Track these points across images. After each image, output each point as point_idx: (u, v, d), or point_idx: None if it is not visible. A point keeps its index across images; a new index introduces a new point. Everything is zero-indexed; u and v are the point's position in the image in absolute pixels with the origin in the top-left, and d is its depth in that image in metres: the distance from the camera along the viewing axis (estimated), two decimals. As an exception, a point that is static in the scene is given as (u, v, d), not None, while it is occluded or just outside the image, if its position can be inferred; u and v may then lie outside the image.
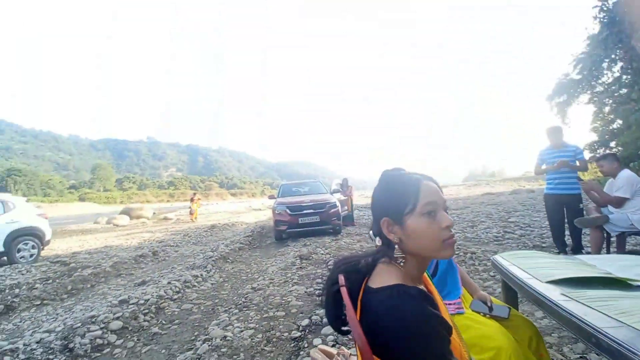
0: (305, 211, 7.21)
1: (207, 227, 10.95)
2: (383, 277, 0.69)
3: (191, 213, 15.49)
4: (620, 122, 10.95)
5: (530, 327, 1.18)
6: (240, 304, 3.22)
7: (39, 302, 3.89)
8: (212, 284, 4.21)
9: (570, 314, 0.86)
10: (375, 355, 0.61)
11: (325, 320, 2.45)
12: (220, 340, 2.42)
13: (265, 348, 2.30)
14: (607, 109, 11.66)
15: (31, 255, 6.45)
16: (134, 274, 5.07)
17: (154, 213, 20.41)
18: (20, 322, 3.31)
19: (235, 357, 2.21)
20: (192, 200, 15.93)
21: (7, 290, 4.18)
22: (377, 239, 0.79)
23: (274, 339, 2.42)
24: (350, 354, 1.83)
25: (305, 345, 2.18)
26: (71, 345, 2.51)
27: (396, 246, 0.73)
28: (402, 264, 0.73)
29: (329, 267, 3.86)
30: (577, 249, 3.41)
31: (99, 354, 2.50)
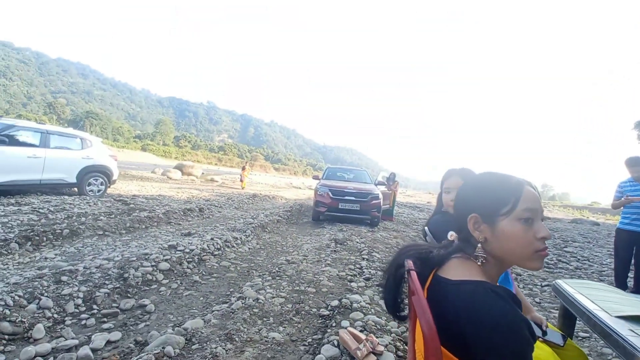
0: (347, 197, 7.19)
1: (249, 195, 11.30)
2: (461, 271, 0.68)
3: (241, 180, 16.39)
4: None
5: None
6: (273, 273, 3.34)
7: (101, 232, 4.30)
8: (249, 248, 4.39)
9: (637, 350, 0.87)
10: (443, 346, 0.60)
11: (355, 305, 2.48)
12: (253, 301, 2.57)
13: (294, 318, 2.40)
14: None
15: (99, 190, 7.23)
16: (181, 225, 5.43)
17: (203, 173, 21.44)
18: (82, 247, 3.60)
19: (264, 319, 2.33)
20: (243, 169, 16.82)
21: (74, 217, 4.65)
22: (451, 233, 0.77)
23: (303, 312, 2.51)
24: (378, 343, 1.85)
25: (333, 324, 2.23)
26: (126, 275, 2.81)
27: (479, 245, 0.71)
28: (481, 263, 0.71)
29: (397, 249, 4.04)
30: (639, 293, 3.04)
31: (147, 288, 2.78)
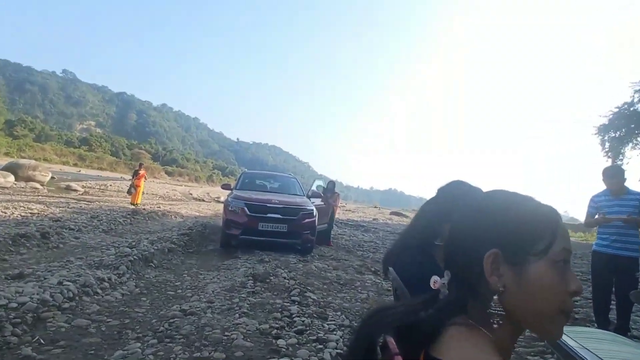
0: (269, 214, 7.22)
1: (128, 211, 10.68)
2: (463, 351, 0.63)
3: (130, 193, 14.20)
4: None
5: None
6: (161, 332, 3.13)
7: None
8: (123, 294, 4.14)
9: None
10: None
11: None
12: (126, 383, 2.23)
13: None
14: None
15: None
16: (7, 261, 4.85)
17: (53, 178, 19.82)
18: None
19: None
20: (137, 174, 14.36)
21: None
22: (436, 279, 0.73)
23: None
24: None
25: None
26: None
27: (495, 297, 0.67)
28: (497, 325, 0.67)
29: (362, 316, 4.09)
30: (624, 329, 3.49)
31: None
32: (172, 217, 11.90)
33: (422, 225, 1.46)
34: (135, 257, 5.32)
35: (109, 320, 3.37)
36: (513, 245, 0.68)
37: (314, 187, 9.94)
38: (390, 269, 1.42)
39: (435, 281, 0.73)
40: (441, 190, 1.48)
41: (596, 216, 3.72)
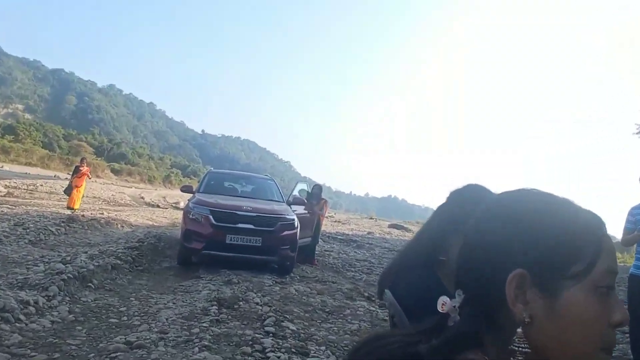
0: (240, 225, 7.19)
1: (63, 218, 10.51)
2: None
3: (68, 193, 14.01)
4: None
5: None
6: None
7: None
8: (53, 322, 4.04)
9: None
10: None
11: None
12: None
13: None
14: None
15: None
16: None
17: None
18: None
19: None
20: (78, 172, 14.30)
21: None
22: (444, 300, 0.71)
23: None
24: None
25: None
26: None
27: (519, 329, 0.65)
28: None
29: (349, 350, 4.21)
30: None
31: None
32: (119, 226, 11.75)
33: (428, 237, 1.46)
34: (69, 275, 5.20)
35: (33, 354, 3.30)
36: (545, 265, 0.66)
37: (295, 192, 9.92)
38: (387, 291, 1.42)
39: (444, 303, 0.71)
40: (453, 195, 1.48)
41: (635, 232, 3.72)
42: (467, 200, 1.38)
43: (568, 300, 0.64)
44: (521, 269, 0.65)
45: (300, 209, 8.97)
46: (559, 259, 0.65)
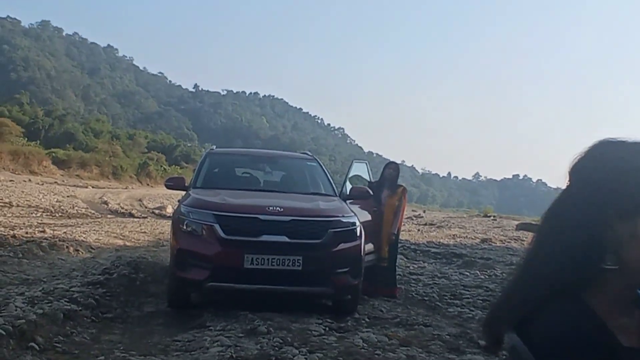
0: (265, 237, 5.64)
1: None
2: None
3: None
4: None
5: None
6: None
7: None
8: None
9: None
10: None
11: None
12: None
13: None
14: None
15: None
16: None
17: None
18: None
19: None
20: None
21: None
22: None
23: None
24: None
25: None
26: None
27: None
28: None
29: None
30: None
31: None
32: (71, 250, 9.28)
33: (567, 240, 0.95)
34: None
35: None
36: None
37: (352, 176, 7.92)
38: (512, 336, 1.00)
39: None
40: (579, 167, 0.96)
41: None
42: (608, 167, 0.92)
43: None
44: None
45: (362, 211, 6.83)
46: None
